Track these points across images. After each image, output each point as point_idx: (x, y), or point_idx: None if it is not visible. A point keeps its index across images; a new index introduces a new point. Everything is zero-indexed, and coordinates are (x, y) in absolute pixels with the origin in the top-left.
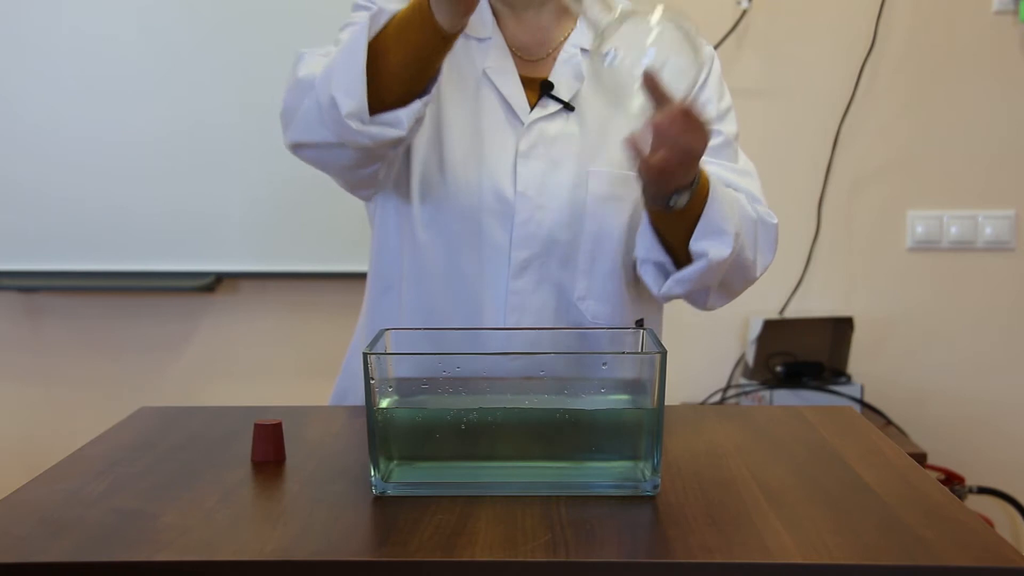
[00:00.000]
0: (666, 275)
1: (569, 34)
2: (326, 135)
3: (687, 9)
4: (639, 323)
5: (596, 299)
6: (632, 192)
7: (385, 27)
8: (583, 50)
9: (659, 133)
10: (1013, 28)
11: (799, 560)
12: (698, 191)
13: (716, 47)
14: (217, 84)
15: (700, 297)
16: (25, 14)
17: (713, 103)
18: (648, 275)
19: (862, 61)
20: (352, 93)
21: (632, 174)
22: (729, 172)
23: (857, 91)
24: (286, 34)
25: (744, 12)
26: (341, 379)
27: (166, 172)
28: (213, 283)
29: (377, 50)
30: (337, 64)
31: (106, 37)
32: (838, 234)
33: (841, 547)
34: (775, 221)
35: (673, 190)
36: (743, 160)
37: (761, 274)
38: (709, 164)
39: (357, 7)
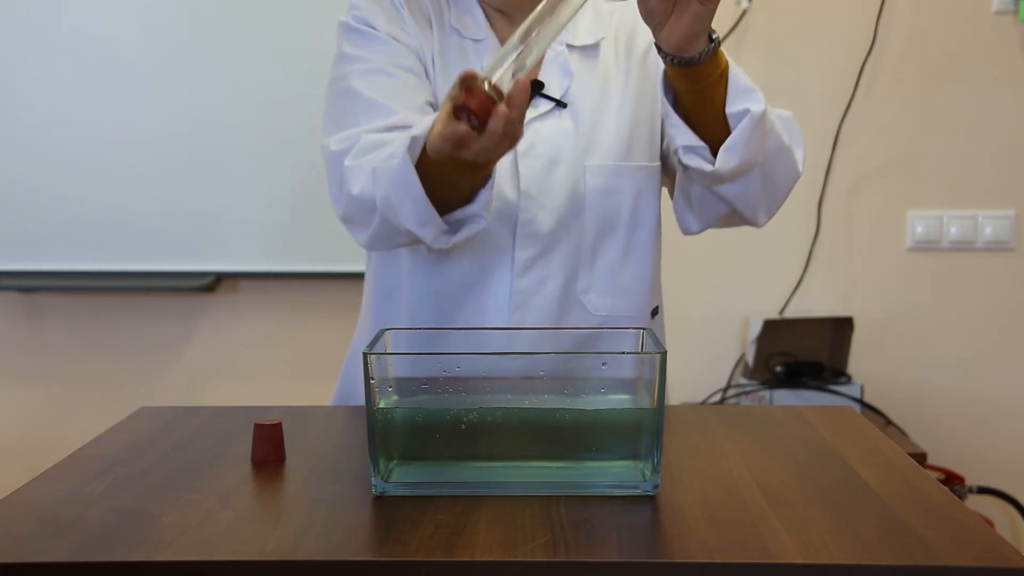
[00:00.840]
0: (705, 159)
1: None
2: (408, 241)
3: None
4: (655, 312)
5: (598, 292)
6: (629, 183)
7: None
8: (569, 46)
9: None
10: (1013, 28)
11: (799, 560)
12: (719, 58)
13: None
14: (217, 84)
15: (748, 203)
16: (25, 14)
17: None
18: (695, 161)
19: (862, 61)
20: (427, 223)
21: (628, 165)
22: None
23: (857, 91)
24: (286, 34)
25: (744, 12)
26: (342, 382)
27: (166, 172)
28: (213, 283)
29: (427, 171)
30: (394, 197)
31: (106, 37)
32: (838, 234)
33: (841, 547)
34: (789, 113)
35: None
36: None
37: (803, 168)
38: None
39: (348, 29)
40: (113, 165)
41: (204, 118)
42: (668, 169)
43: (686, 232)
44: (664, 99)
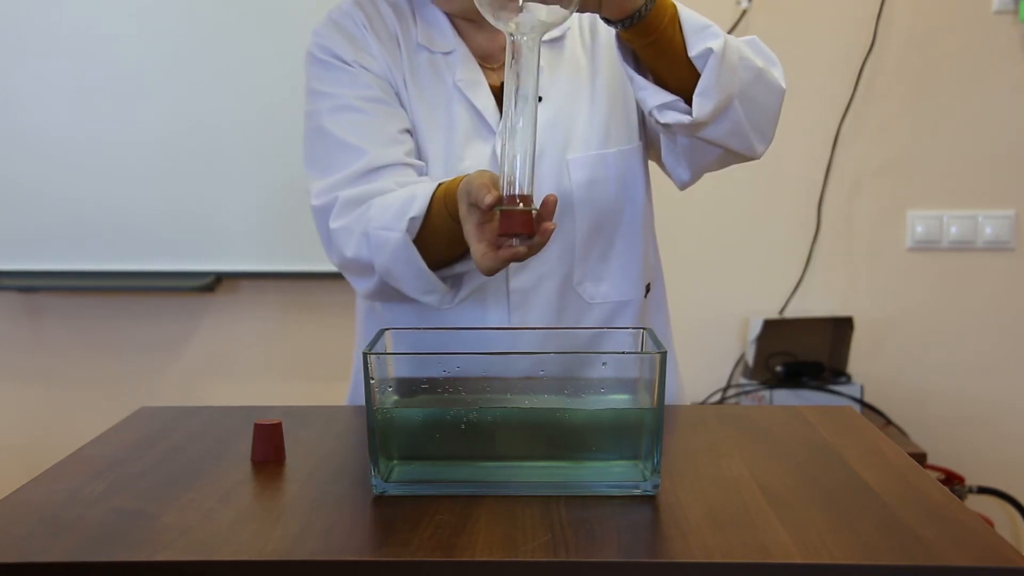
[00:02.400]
0: (681, 110)
1: None
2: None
3: (687, 9)
4: (648, 289)
5: (592, 280)
6: (613, 169)
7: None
8: None
9: None
10: (1013, 28)
11: (799, 560)
12: (660, 4)
13: None
14: (217, 84)
15: (739, 138)
16: (25, 14)
17: None
18: (671, 116)
19: (862, 61)
20: (431, 291)
21: (609, 152)
22: None
23: (857, 91)
24: (286, 35)
25: (744, 12)
26: (353, 386)
27: (166, 172)
28: (213, 283)
29: (423, 236)
30: (394, 269)
31: (106, 37)
32: (838, 234)
33: (841, 547)
34: (754, 36)
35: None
36: None
37: (784, 85)
38: None
39: (314, 61)
40: (113, 165)
41: (204, 118)
42: (649, 139)
43: (681, 185)
44: (625, 65)
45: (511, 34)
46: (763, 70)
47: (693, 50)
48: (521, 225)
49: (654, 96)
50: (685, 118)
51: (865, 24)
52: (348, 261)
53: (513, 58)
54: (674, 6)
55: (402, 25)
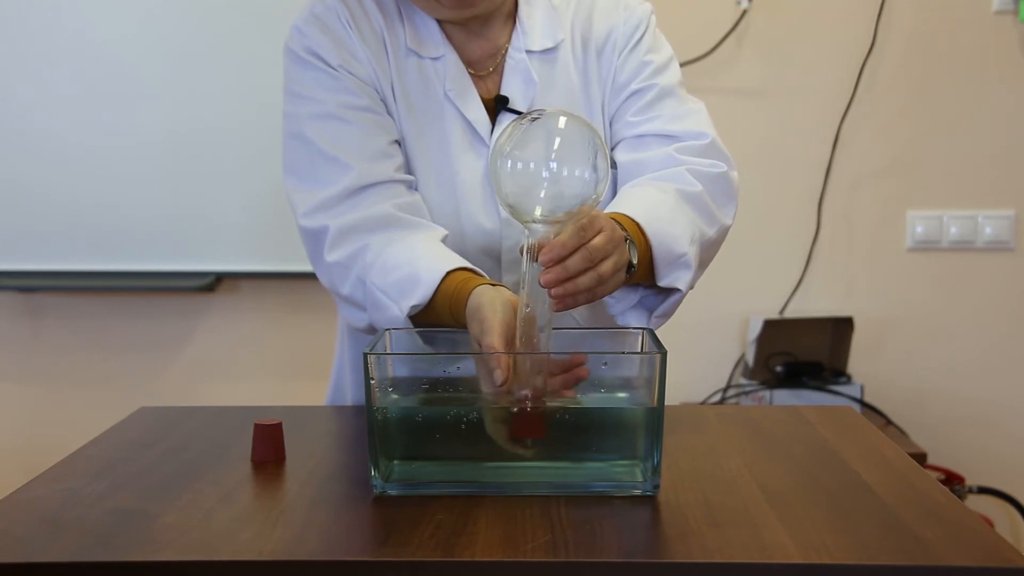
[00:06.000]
0: (645, 310)
1: (510, 37)
2: None
3: (687, 9)
4: None
5: (586, 306)
6: (609, 190)
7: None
8: (528, 52)
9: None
10: (1013, 28)
11: (799, 560)
12: (635, 237)
13: (716, 47)
14: (217, 86)
15: None
16: (25, 15)
17: (646, 55)
18: (632, 320)
19: (862, 61)
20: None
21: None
22: (667, 123)
23: (857, 91)
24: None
25: (744, 12)
26: (332, 391)
27: (166, 173)
28: (213, 283)
29: (424, 317)
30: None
31: (107, 39)
32: (838, 234)
33: (841, 547)
34: (722, 169)
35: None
36: (690, 101)
37: (731, 221)
38: (646, 123)
39: (296, 60)
40: (113, 166)
41: (204, 118)
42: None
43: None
44: None
45: (526, 224)
46: (715, 238)
47: (662, 281)
48: (531, 429)
49: (618, 302)
50: (638, 323)
51: (865, 24)
52: (342, 297)
53: (530, 258)
54: (648, 244)
55: (388, 24)
